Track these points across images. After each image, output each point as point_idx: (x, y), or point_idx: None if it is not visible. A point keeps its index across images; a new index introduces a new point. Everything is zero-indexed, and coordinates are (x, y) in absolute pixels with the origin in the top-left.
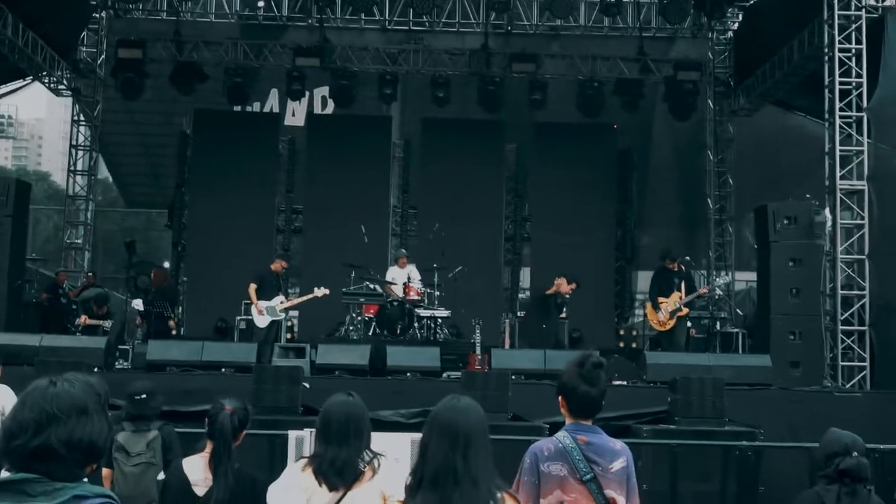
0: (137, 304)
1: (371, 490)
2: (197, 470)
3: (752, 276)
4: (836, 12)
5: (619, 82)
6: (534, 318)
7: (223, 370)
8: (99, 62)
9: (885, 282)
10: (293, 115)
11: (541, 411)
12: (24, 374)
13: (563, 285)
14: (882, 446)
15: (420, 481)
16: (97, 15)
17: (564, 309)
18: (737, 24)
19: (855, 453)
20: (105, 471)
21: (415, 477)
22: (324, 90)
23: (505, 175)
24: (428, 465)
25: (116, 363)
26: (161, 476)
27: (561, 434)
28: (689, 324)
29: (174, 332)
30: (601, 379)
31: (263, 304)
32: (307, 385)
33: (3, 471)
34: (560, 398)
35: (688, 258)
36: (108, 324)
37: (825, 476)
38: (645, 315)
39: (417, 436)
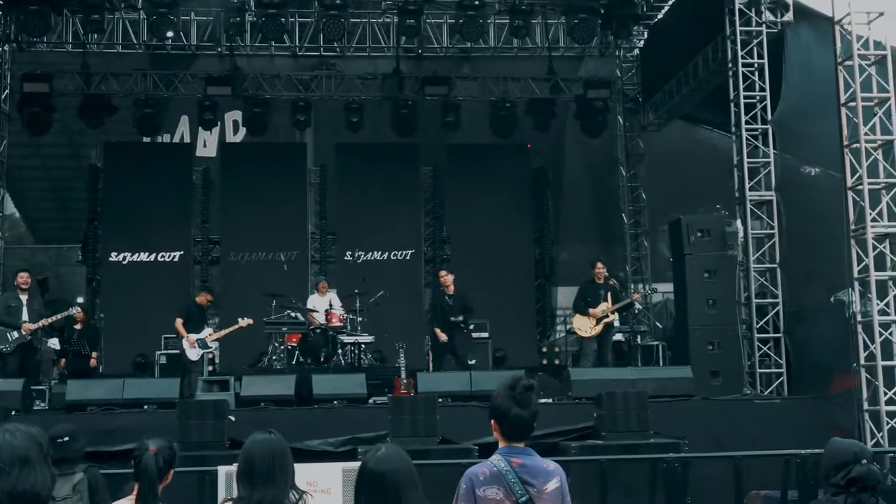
0: (53, 343)
1: None
2: None
3: (669, 287)
4: (738, 28)
5: (531, 102)
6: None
7: (146, 407)
8: (3, 97)
9: (795, 289)
10: (205, 145)
11: (469, 433)
12: None
13: (445, 278)
14: (803, 451)
15: None
16: (0, 49)
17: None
18: (643, 42)
19: (864, 461)
20: None
21: None
22: (235, 115)
23: (422, 198)
24: None
25: (34, 405)
26: None
27: (495, 457)
28: (618, 335)
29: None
30: (532, 401)
31: (194, 336)
32: (233, 418)
33: None
34: (492, 421)
35: (608, 275)
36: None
37: (833, 485)
38: (571, 328)
39: (348, 465)
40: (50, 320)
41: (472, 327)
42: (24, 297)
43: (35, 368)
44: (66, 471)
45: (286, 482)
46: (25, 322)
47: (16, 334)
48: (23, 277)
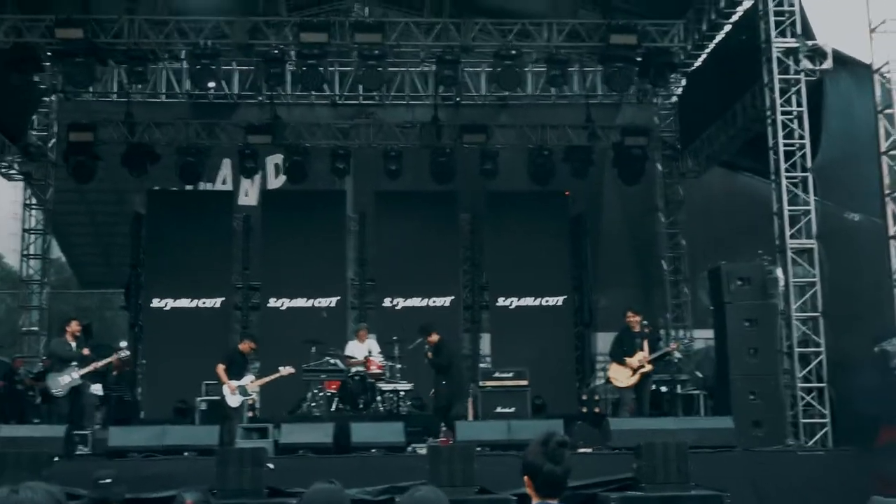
0: (96, 388)
1: None
2: None
3: (710, 334)
4: (776, 76)
5: (569, 149)
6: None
7: (185, 454)
8: (50, 145)
9: (838, 337)
10: (246, 194)
11: (507, 483)
12: None
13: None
14: None
15: None
16: (47, 99)
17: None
18: (681, 89)
19: None
20: None
21: None
22: (276, 158)
23: (460, 244)
24: None
25: (76, 450)
26: None
27: None
28: (654, 386)
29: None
30: (565, 457)
31: (235, 383)
32: (271, 466)
33: None
34: (525, 477)
35: (646, 322)
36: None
37: None
38: (608, 378)
39: None
40: (101, 363)
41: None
42: (73, 344)
43: (81, 413)
44: None
45: None
46: (76, 367)
47: (67, 378)
48: (76, 326)
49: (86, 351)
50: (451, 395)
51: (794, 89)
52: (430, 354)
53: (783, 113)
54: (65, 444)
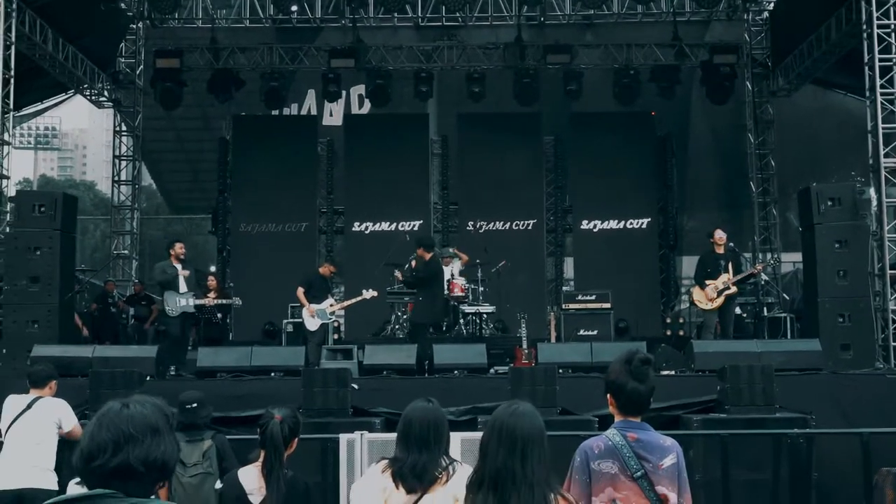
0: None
1: (445, 494)
2: (251, 479)
3: (799, 257)
4: None
5: (655, 69)
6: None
7: (272, 374)
8: (138, 73)
9: None
10: (331, 115)
11: (589, 404)
12: (78, 385)
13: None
14: None
15: (481, 481)
16: (134, 26)
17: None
18: (772, 5)
19: None
20: None
21: (476, 476)
22: (360, 89)
23: (544, 167)
24: (488, 466)
25: (168, 371)
26: (218, 485)
27: (611, 432)
28: (738, 309)
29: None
30: (649, 375)
31: (315, 307)
32: (356, 386)
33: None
34: (608, 396)
35: (731, 244)
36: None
37: None
38: (691, 301)
39: (467, 435)
40: (216, 301)
41: None
42: (179, 267)
43: (186, 339)
44: (194, 437)
45: (440, 449)
46: (183, 292)
47: (183, 302)
48: (180, 248)
49: (186, 272)
50: (426, 312)
51: (892, 1)
52: (413, 263)
53: (880, 26)
54: (156, 364)
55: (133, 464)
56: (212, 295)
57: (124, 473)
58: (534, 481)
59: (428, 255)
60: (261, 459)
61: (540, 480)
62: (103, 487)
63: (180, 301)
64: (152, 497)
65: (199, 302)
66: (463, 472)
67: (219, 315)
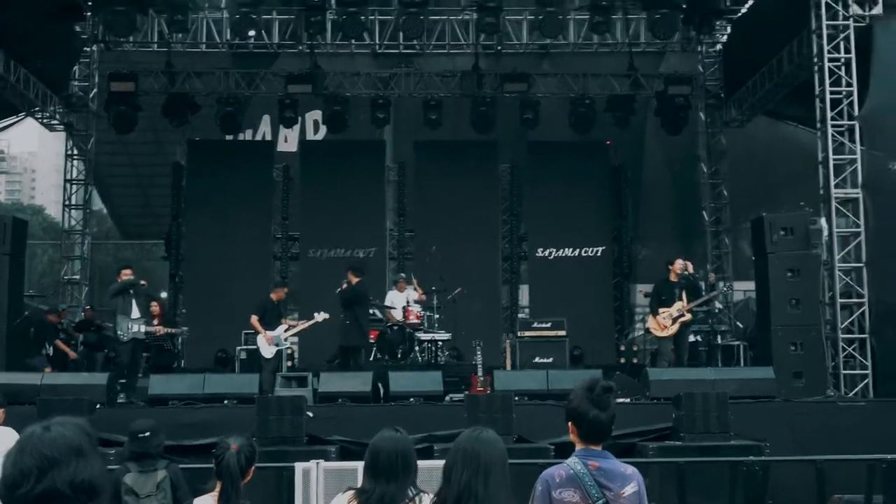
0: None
1: None
2: None
3: (751, 285)
4: (824, 22)
5: (611, 99)
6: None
7: (226, 402)
8: (91, 96)
9: (883, 289)
10: (286, 140)
11: (545, 432)
12: (25, 413)
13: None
14: (888, 456)
15: (443, 502)
16: (88, 49)
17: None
18: (725, 37)
19: None
20: None
21: (439, 498)
22: (316, 114)
23: (500, 194)
24: (452, 488)
25: (118, 398)
26: None
27: (572, 460)
28: (690, 337)
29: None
30: (611, 403)
31: (271, 333)
32: (311, 414)
33: None
34: (569, 424)
35: (687, 273)
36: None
37: None
38: (646, 328)
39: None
40: (168, 330)
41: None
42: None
43: (136, 365)
44: (147, 467)
45: (408, 480)
46: (135, 318)
47: (135, 328)
48: (127, 274)
49: (143, 282)
50: (350, 335)
51: (842, 35)
52: (345, 286)
53: (831, 60)
54: (107, 392)
55: (60, 488)
56: (156, 322)
57: (51, 499)
58: (496, 502)
59: (356, 279)
60: (217, 490)
61: (501, 502)
62: None
63: (132, 326)
64: None
65: (149, 329)
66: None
67: (171, 342)
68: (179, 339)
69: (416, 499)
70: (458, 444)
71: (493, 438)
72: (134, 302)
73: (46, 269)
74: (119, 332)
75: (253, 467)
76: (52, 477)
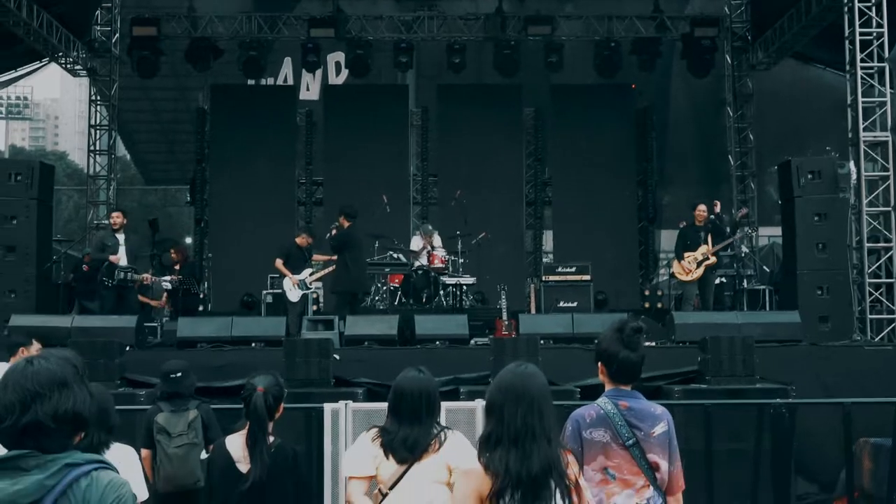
0: (165, 283)
1: (437, 462)
2: (238, 448)
3: (777, 231)
4: None
5: (636, 41)
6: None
7: (253, 345)
8: (114, 41)
9: None
10: (307, 88)
11: (571, 375)
12: None
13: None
14: None
15: (499, 439)
16: None
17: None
18: None
19: None
20: (144, 452)
21: (491, 437)
22: (338, 56)
23: (524, 139)
24: (507, 427)
25: (147, 341)
26: (204, 455)
27: (602, 400)
28: (715, 280)
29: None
30: (641, 344)
31: (297, 277)
32: (338, 357)
33: None
34: (599, 364)
35: (713, 217)
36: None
37: None
38: (671, 273)
39: (451, 404)
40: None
41: None
42: (120, 237)
43: (130, 308)
44: (179, 407)
45: (432, 420)
46: (123, 266)
47: (122, 275)
48: (117, 217)
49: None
50: (341, 280)
51: None
52: (334, 230)
53: (860, 0)
54: (136, 334)
55: (43, 420)
56: (177, 267)
57: (36, 431)
58: (551, 434)
59: (347, 224)
60: (245, 429)
61: (556, 434)
62: (16, 445)
63: (119, 273)
64: (80, 452)
65: (137, 277)
66: (454, 439)
67: (197, 285)
68: (205, 283)
69: (441, 436)
70: (503, 381)
71: (537, 372)
72: (123, 249)
73: (72, 215)
74: (104, 279)
75: (282, 405)
76: (35, 410)
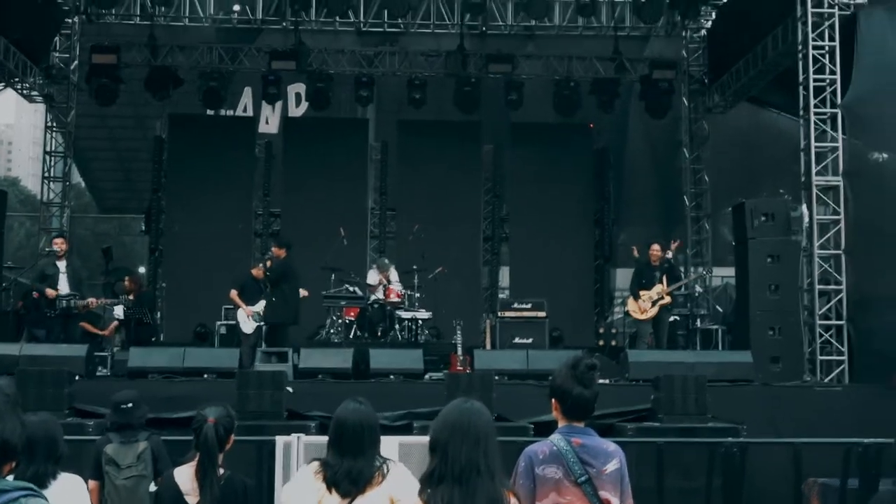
0: (118, 311)
1: (380, 494)
2: (187, 480)
3: (729, 271)
4: (809, 10)
5: (595, 82)
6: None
7: (206, 376)
8: (72, 67)
9: (861, 276)
10: (266, 122)
11: (525, 411)
12: None
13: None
14: (865, 440)
15: (442, 476)
16: (70, 20)
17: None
18: (710, 23)
19: None
20: (92, 483)
21: (434, 474)
22: (299, 87)
23: (482, 176)
24: (451, 464)
25: (97, 371)
26: (153, 487)
27: (555, 437)
28: (671, 317)
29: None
30: (595, 381)
31: (251, 308)
32: (290, 389)
33: None
34: (553, 400)
35: (668, 257)
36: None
37: None
38: (626, 311)
39: (404, 439)
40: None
41: None
42: (61, 265)
43: (76, 338)
44: (129, 438)
45: (374, 452)
46: (65, 294)
47: (64, 303)
48: (60, 243)
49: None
50: (277, 311)
51: (827, 23)
52: (269, 263)
53: (815, 48)
54: (86, 363)
55: None
56: (131, 297)
57: None
58: (494, 471)
59: (283, 254)
60: (195, 460)
61: (500, 471)
62: None
63: (61, 302)
64: (9, 478)
65: (80, 302)
66: (397, 471)
67: (150, 315)
68: (158, 313)
69: (384, 468)
70: (448, 418)
71: (482, 409)
72: (63, 277)
73: (23, 242)
74: (46, 311)
75: (232, 437)
76: None
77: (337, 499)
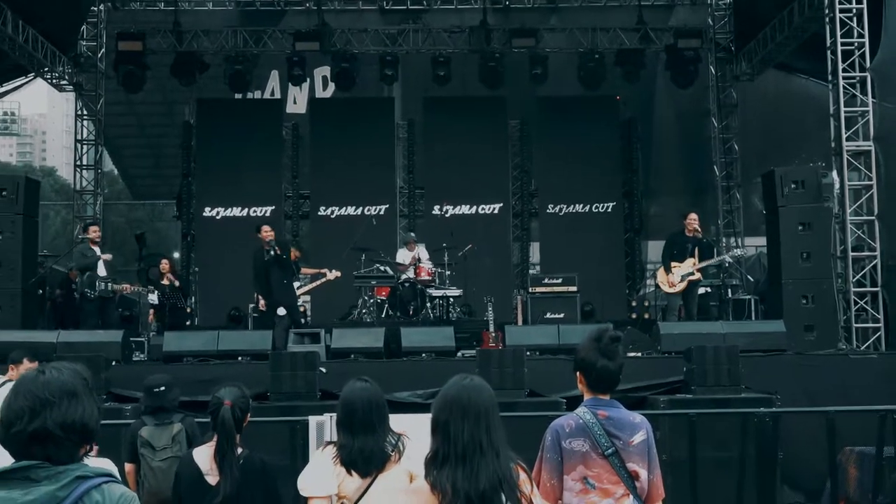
0: (153, 297)
1: (399, 471)
2: (206, 460)
3: (762, 241)
4: None
5: (620, 53)
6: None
7: (240, 358)
8: (99, 56)
9: (894, 241)
10: (294, 102)
11: (557, 386)
12: None
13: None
14: None
15: (445, 457)
16: (95, 8)
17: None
18: None
19: None
20: (128, 466)
21: (437, 455)
22: (325, 70)
23: (510, 151)
24: (453, 443)
25: (133, 356)
26: None
27: (581, 410)
28: (700, 290)
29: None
30: (619, 353)
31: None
32: (324, 370)
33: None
34: (578, 374)
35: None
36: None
37: None
38: (656, 283)
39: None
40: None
41: None
42: (97, 250)
43: (113, 323)
44: (163, 420)
45: (385, 429)
46: (102, 276)
47: (103, 285)
48: (93, 231)
49: (108, 256)
50: (281, 292)
51: None
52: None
53: (842, 11)
54: (122, 348)
55: (50, 428)
56: (165, 281)
57: (43, 438)
58: (499, 448)
59: (271, 236)
60: (214, 441)
61: (505, 447)
62: (24, 453)
63: (100, 284)
64: (85, 462)
65: (116, 287)
66: (413, 447)
67: (184, 300)
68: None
69: (399, 445)
70: (447, 396)
71: (482, 384)
72: (102, 262)
73: (59, 231)
74: (87, 290)
75: (248, 417)
76: (44, 417)
77: (357, 480)
